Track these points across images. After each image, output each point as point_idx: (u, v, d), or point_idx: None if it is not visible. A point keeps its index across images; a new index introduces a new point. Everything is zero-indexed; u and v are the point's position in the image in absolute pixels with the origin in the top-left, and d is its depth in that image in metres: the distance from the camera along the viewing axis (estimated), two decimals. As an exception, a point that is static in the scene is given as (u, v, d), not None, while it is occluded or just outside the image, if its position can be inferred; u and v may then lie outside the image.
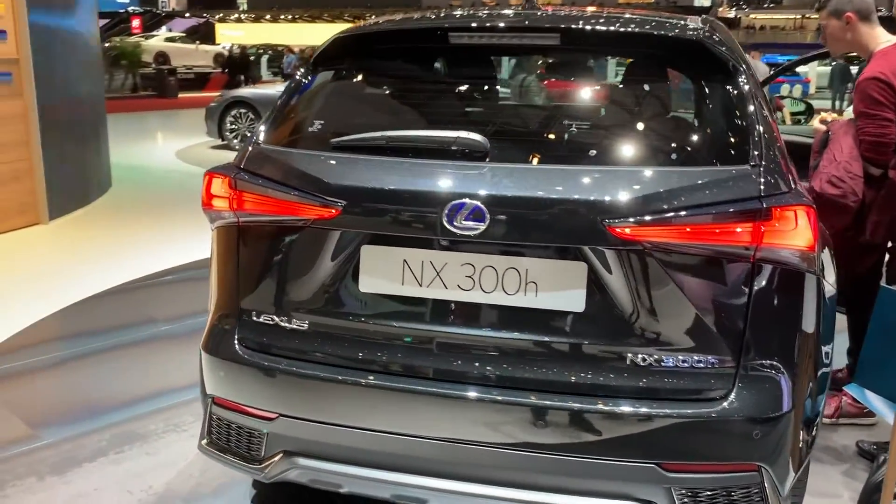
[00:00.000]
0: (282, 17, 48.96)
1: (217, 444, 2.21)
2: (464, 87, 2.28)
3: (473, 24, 2.17)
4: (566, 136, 2.08)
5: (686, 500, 1.89)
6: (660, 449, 1.86)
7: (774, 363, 1.92)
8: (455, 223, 1.86)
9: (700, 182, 1.86)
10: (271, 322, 2.09)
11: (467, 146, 1.93)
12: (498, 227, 1.86)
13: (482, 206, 1.85)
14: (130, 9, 44.70)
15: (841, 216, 2.98)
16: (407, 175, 1.94)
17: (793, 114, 4.44)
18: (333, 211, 1.96)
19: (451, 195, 1.87)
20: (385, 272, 1.97)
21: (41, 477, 2.94)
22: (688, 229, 1.83)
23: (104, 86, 8.76)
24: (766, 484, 1.90)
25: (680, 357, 1.88)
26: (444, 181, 1.90)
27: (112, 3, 46.44)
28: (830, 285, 2.23)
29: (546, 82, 2.60)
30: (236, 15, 51.47)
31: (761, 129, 2.01)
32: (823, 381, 2.20)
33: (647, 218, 1.82)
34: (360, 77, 2.33)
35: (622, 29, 2.11)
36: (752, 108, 2.05)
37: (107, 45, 25.08)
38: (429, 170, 1.94)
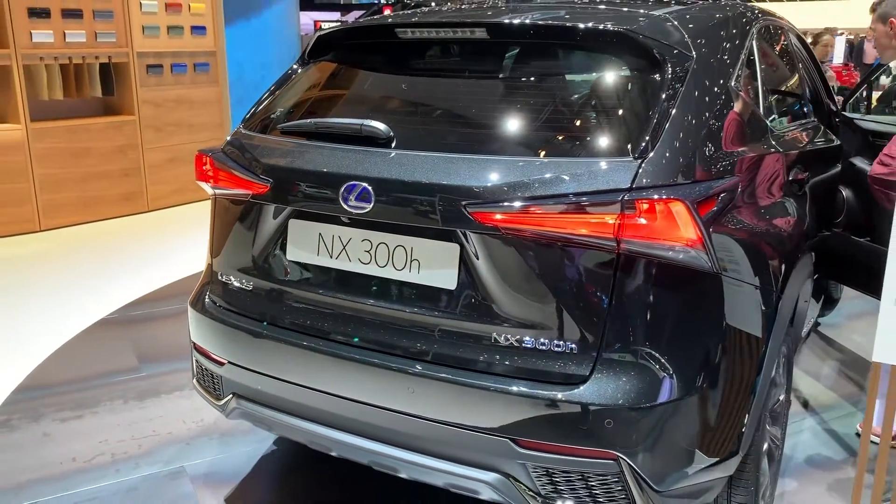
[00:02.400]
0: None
1: (200, 383, 2.61)
2: (399, 80, 2.44)
3: (412, 20, 2.33)
4: (458, 126, 2.17)
5: (542, 478, 1.95)
6: (514, 425, 1.93)
7: (643, 354, 1.90)
8: (349, 202, 2.07)
9: (567, 173, 1.89)
10: (229, 282, 2.43)
11: (371, 133, 2.12)
12: (383, 207, 2.04)
13: (368, 187, 2.04)
14: (383, 0, 48.16)
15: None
16: (319, 158, 2.17)
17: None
18: (266, 187, 2.25)
19: (347, 177, 2.08)
20: (305, 244, 2.23)
21: (126, 401, 3.57)
22: (547, 218, 1.87)
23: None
24: (626, 475, 1.90)
25: (540, 340, 1.93)
26: (345, 164, 2.10)
27: (369, -5, 50.52)
28: (757, 284, 2.12)
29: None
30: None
31: (669, 122, 1.97)
32: (745, 376, 2.11)
33: (508, 205, 1.89)
34: (325, 70, 2.57)
35: (541, 22, 2.16)
36: (660, 100, 2.01)
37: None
38: (337, 154, 2.15)
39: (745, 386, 2.11)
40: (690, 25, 2.30)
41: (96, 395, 3.63)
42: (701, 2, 2.81)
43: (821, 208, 3.16)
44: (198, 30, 7.32)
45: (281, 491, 2.92)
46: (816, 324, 4.45)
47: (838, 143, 3.47)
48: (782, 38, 3.22)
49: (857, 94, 4.13)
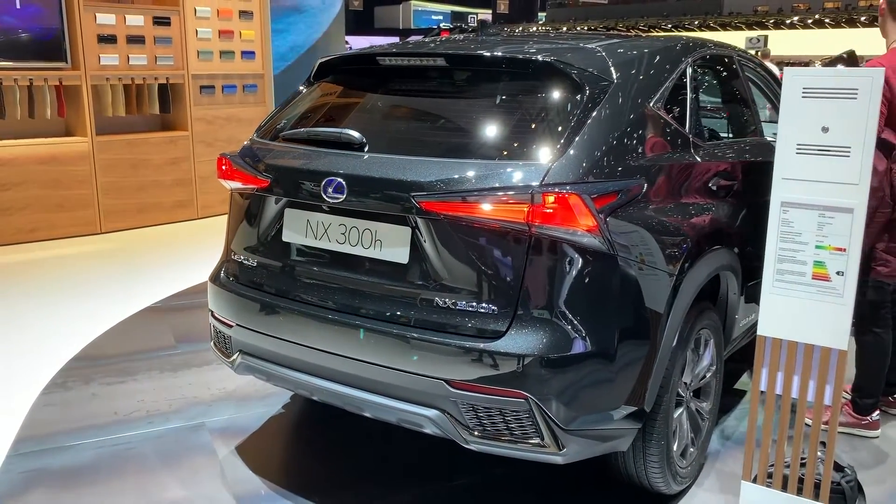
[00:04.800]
0: (578, 28, 50.27)
1: (216, 345, 3.17)
2: (377, 97, 2.99)
3: (391, 50, 2.88)
4: (415, 135, 2.70)
5: (469, 413, 2.43)
6: (448, 370, 2.41)
7: (550, 316, 2.36)
8: (328, 194, 2.61)
9: (494, 172, 2.38)
10: (239, 259, 3.00)
11: (348, 140, 2.66)
12: (353, 197, 2.56)
13: (342, 182, 2.57)
14: (442, 24, 49.30)
15: None
16: (308, 159, 2.72)
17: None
18: (268, 183, 2.81)
19: (327, 174, 2.62)
20: (297, 227, 2.77)
21: (162, 371, 4.17)
22: (475, 207, 2.36)
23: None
24: (535, 412, 2.37)
25: (471, 303, 2.42)
26: (326, 164, 2.64)
27: (429, 20, 51.93)
28: (655, 266, 2.57)
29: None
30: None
31: (581, 133, 2.46)
32: (642, 342, 2.52)
33: (447, 196, 2.40)
34: (324, 89, 3.14)
35: (485, 53, 2.69)
36: (576, 116, 2.50)
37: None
38: (321, 155, 2.69)
39: (642, 350, 2.54)
40: (616, 55, 2.78)
41: (138, 365, 4.23)
42: (638, 35, 3.30)
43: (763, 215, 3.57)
44: (247, 54, 8.03)
45: (283, 443, 3.46)
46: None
47: None
48: (730, 67, 3.65)
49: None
